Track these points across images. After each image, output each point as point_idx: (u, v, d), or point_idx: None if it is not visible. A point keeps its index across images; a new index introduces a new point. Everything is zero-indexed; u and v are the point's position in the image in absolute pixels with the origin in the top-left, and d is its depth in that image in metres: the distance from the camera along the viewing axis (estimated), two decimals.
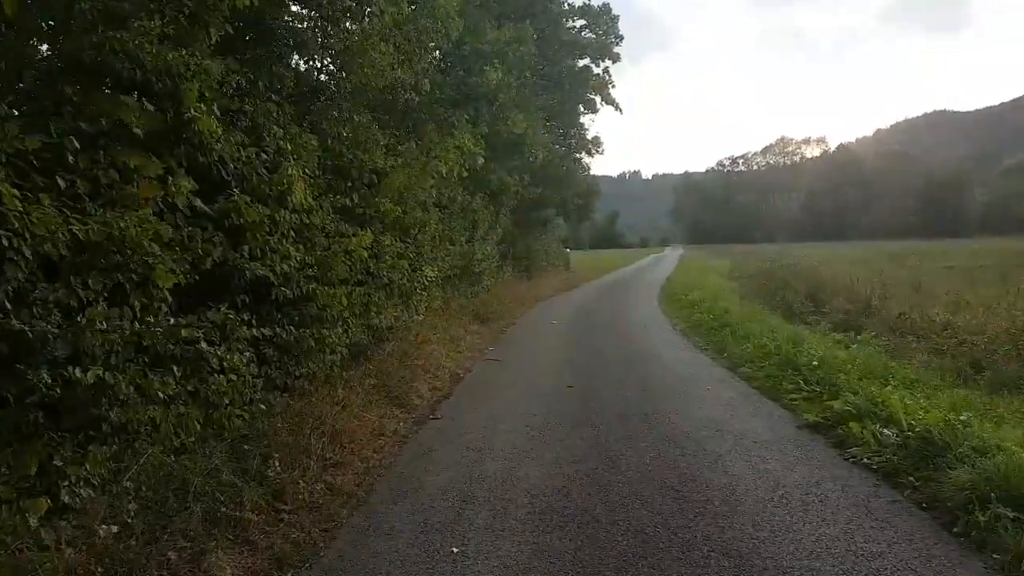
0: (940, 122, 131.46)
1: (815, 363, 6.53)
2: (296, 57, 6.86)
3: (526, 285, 19.16)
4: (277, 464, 3.90)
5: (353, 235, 6.57)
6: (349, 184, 6.90)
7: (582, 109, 25.81)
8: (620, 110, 23.81)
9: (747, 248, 53.17)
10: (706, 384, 6.81)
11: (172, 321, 3.55)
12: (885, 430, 4.43)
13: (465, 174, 13.00)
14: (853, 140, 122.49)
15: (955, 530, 3.28)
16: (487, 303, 12.93)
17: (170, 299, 3.57)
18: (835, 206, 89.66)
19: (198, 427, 3.64)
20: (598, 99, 23.66)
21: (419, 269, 9.63)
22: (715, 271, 27.65)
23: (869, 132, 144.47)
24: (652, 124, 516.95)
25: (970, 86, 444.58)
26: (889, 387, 5.47)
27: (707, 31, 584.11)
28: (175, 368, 3.50)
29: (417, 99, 11.10)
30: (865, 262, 21.35)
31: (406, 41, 8.48)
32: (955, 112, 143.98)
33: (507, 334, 11.14)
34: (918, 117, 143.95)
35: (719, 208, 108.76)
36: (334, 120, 7.00)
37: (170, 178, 3.74)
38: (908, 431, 4.31)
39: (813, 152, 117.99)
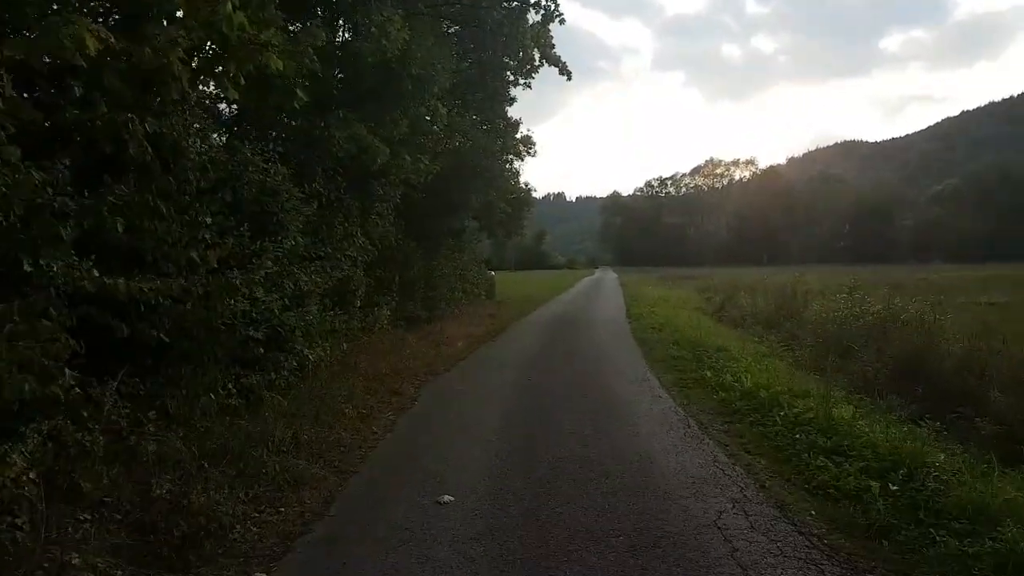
0: (851, 150, 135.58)
1: None
2: None
3: (417, 339, 11.11)
4: None
5: None
6: None
7: (510, 76, 18.22)
8: (568, 74, 16.35)
9: (685, 272, 47.42)
10: None
11: None
12: None
13: (235, 95, 5.05)
14: (770, 165, 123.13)
15: None
16: (277, 429, 4.80)
17: None
18: (764, 229, 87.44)
19: None
20: (537, 55, 16.08)
21: None
22: (685, 304, 20.72)
23: (782, 160, 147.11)
24: (578, 145, 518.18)
25: (877, 118, 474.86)
26: None
27: (634, 57, 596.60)
28: None
29: None
30: (867, 290, 13.29)
31: None
32: (865, 141, 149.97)
33: None
34: (830, 146, 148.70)
35: (647, 230, 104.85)
36: None
37: None
38: None
39: (742, 174, 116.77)
